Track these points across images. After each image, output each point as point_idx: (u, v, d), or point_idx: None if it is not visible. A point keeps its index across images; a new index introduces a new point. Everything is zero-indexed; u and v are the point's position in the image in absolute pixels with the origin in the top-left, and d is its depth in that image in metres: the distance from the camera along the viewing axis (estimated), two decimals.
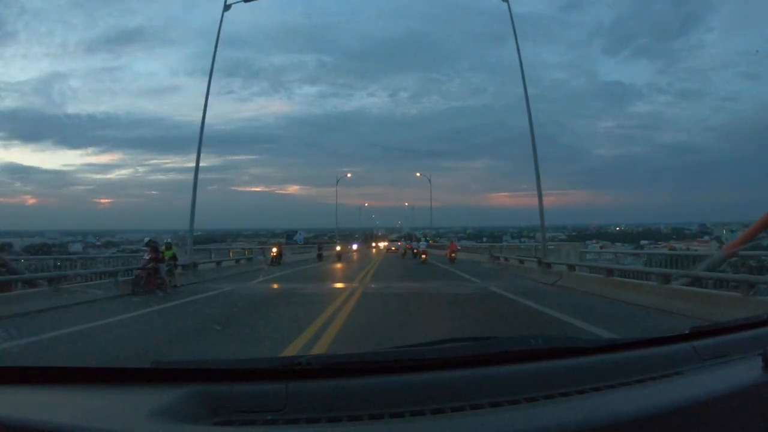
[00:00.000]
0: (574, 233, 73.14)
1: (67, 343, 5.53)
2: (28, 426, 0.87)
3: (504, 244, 30.50)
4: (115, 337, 5.96)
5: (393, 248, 46.40)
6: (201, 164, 16.44)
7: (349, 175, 41.77)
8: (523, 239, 56.93)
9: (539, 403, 1.02)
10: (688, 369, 1.20)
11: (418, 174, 40.81)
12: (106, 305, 8.90)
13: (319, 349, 4.81)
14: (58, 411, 0.95)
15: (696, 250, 18.06)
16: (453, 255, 23.89)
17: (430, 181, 41.65)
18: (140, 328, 6.83)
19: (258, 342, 5.38)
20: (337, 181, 41.10)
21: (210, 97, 16.86)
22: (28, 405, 1.00)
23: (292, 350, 4.78)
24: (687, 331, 1.37)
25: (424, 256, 23.74)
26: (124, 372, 1.14)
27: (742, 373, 1.11)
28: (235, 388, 1.02)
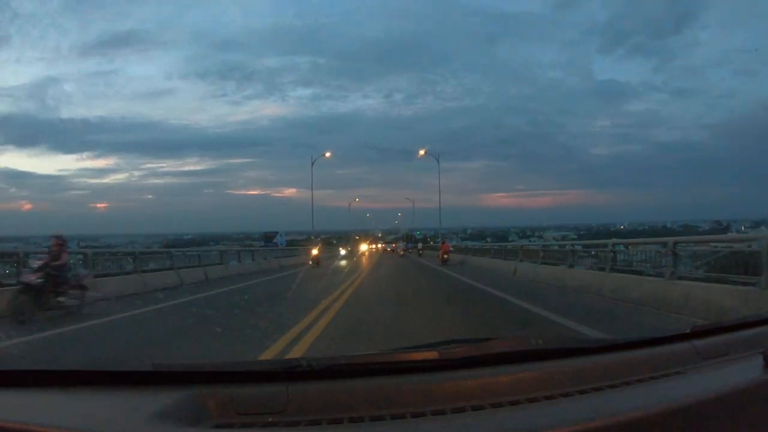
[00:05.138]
0: (583, 232, 73.21)
1: None
2: (27, 429, 0.90)
3: (510, 243, 27.56)
4: None
5: (389, 249, 60.84)
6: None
7: (327, 154, 37.20)
8: (532, 238, 57.00)
9: (540, 404, 1.06)
10: (688, 368, 1.24)
11: (422, 152, 37.26)
12: None
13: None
14: (57, 414, 0.99)
15: None
16: (445, 256, 24.25)
17: (438, 160, 36.93)
18: None
19: None
20: (312, 163, 34.61)
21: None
22: (28, 408, 1.03)
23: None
24: (688, 331, 1.42)
25: (401, 252, 41.26)
26: (124, 374, 1.18)
27: (743, 372, 1.16)
28: (236, 390, 1.06)
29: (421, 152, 37.94)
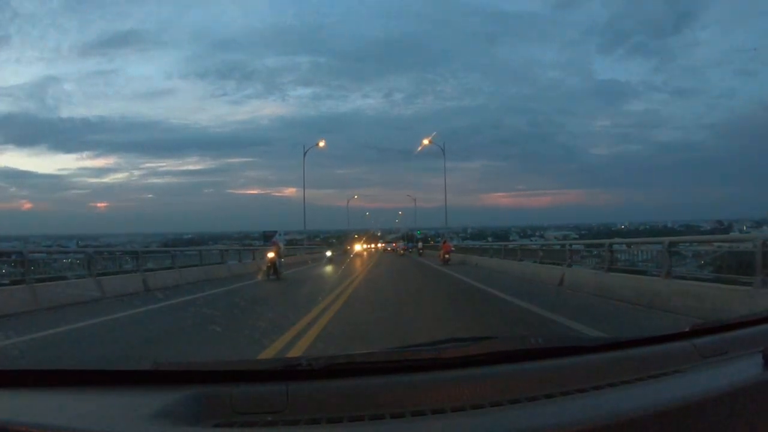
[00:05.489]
0: (584, 232, 73.28)
1: None
2: (28, 429, 0.91)
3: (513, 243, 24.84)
4: None
5: (389, 248, 61.52)
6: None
7: (321, 144, 35.56)
8: (533, 238, 57.16)
9: (540, 403, 1.07)
10: (688, 367, 1.25)
11: (426, 141, 34.58)
12: None
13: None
14: (56, 414, 1.00)
15: None
16: (446, 256, 23.79)
17: (443, 150, 34.27)
18: None
19: None
20: (305, 153, 33.63)
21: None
22: (27, 408, 1.04)
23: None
24: (687, 329, 1.43)
25: (401, 251, 44.19)
26: (124, 374, 1.19)
27: (743, 370, 1.16)
28: (236, 389, 1.07)
29: (426, 141, 35.70)
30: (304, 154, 33.76)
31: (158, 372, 1.15)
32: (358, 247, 49.28)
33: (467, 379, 1.15)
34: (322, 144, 35.39)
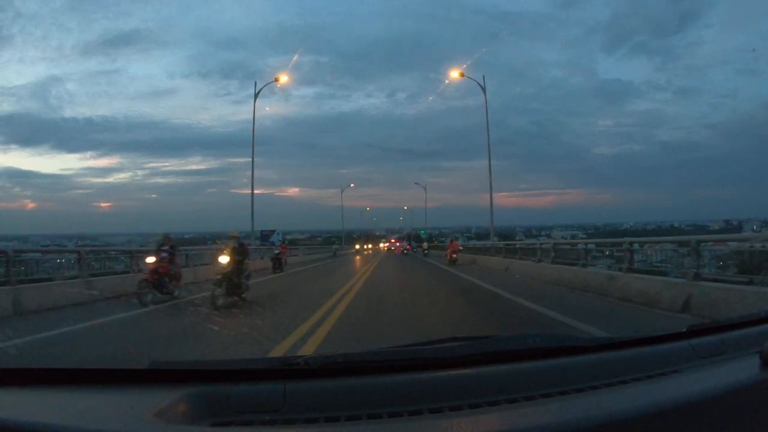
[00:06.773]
0: (590, 231, 73.07)
1: None
2: (25, 427, 0.93)
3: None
4: None
5: (392, 248, 62.31)
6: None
7: (284, 79, 25.52)
8: (540, 237, 57.06)
9: (537, 402, 1.08)
10: (685, 367, 1.26)
11: (457, 74, 25.28)
12: None
13: None
14: (54, 412, 1.02)
15: None
16: (454, 256, 23.07)
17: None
18: None
19: None
20: (257, 94, 23.82)
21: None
22: (25, 406, 1.07)
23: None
24: (684, 329, 1.45)
25: (404, 250, 46.77)
26: (122, 372, 1.21)
27: (740, 370, 1.17)
28: (233, 388, 1.09)
29: (456, 73, 25.16)
30: (256, 95, 24.34)
31: (156, 371, 1.17)
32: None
33: (465, 378, 1.17)
34: (284, 80, 25.67)
